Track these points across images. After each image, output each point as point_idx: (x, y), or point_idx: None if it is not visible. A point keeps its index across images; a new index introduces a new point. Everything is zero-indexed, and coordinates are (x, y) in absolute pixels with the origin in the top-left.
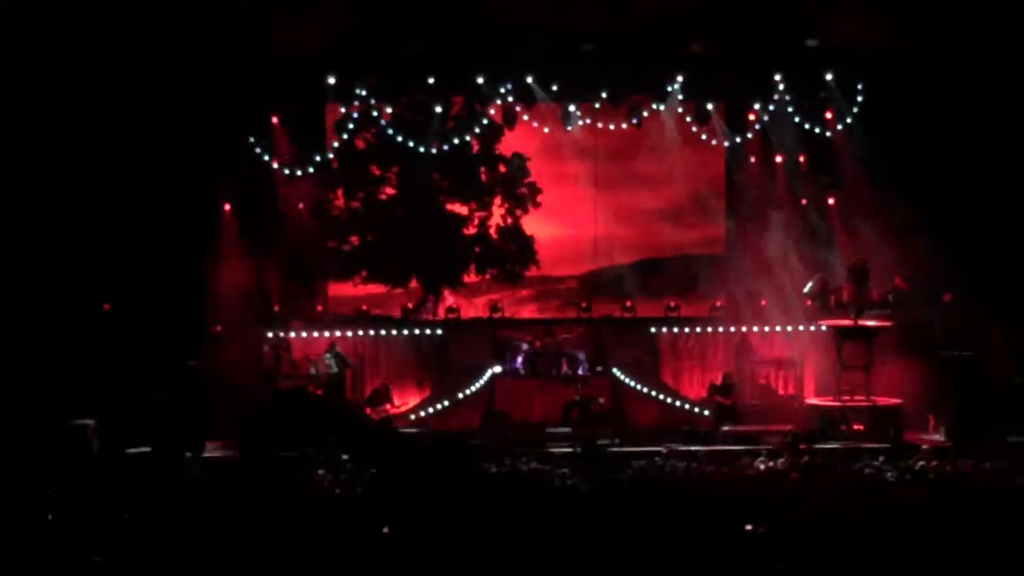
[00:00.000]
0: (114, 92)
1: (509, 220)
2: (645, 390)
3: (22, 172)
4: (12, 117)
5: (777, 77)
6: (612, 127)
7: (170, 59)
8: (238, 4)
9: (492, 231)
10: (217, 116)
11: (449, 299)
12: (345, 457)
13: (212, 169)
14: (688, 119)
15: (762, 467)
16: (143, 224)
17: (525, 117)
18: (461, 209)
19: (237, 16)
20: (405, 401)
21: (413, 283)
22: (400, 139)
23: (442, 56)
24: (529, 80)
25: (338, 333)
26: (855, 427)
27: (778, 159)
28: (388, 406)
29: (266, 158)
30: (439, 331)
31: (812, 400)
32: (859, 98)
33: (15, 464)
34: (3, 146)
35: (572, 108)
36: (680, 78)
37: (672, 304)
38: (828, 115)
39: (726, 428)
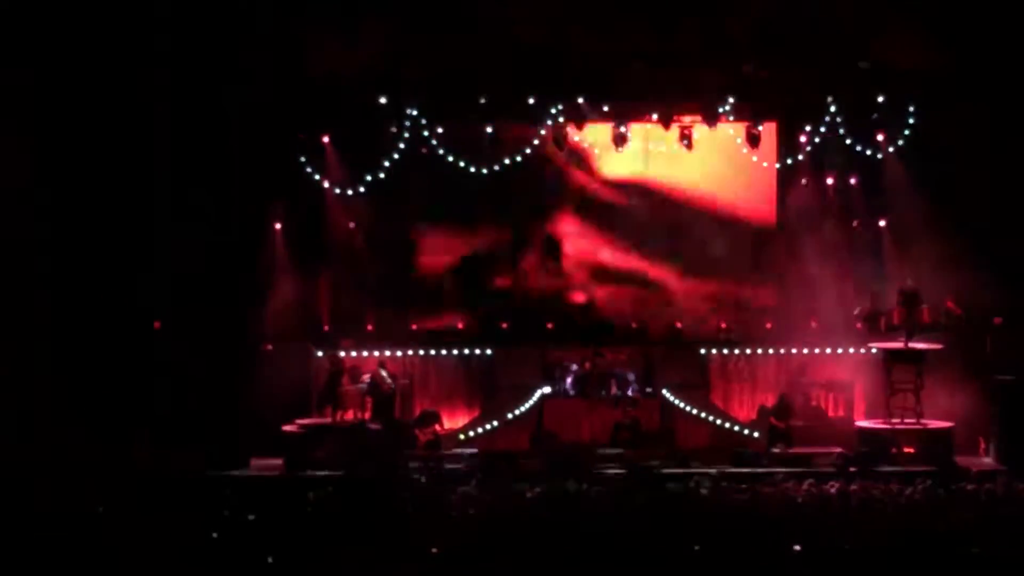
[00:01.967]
0: (165, 111)
1: None
2: (695, 412)
3: (75, 191)
4: (67, 137)
5: (829, 99)
6: (663, 148)
7: (220, 80)
8: (285, 24)
9: None
10: (267, 136)
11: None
12: None
13: (262, 189)
14: (739, 140)
15: (805, 491)
16: (194, 243)
17: (576, 138)
18: None
19: (285, 36)
20: (455, 421)
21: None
22: (451, 159)
23: (492, 76)
24: (580, 100)
25: (388, 352)
26: (905, 450)
27: (829, 181)
28: (437, 427)
29: (317, 177)
30: (488, 351)
31: (862, 423)
32: (910, 120)
33: (65, 480)
34: (56, 165)
35: (623, 129)
36: (731, 99)
37: (723, 326)
38: (879, 137)
39: (776, 450)
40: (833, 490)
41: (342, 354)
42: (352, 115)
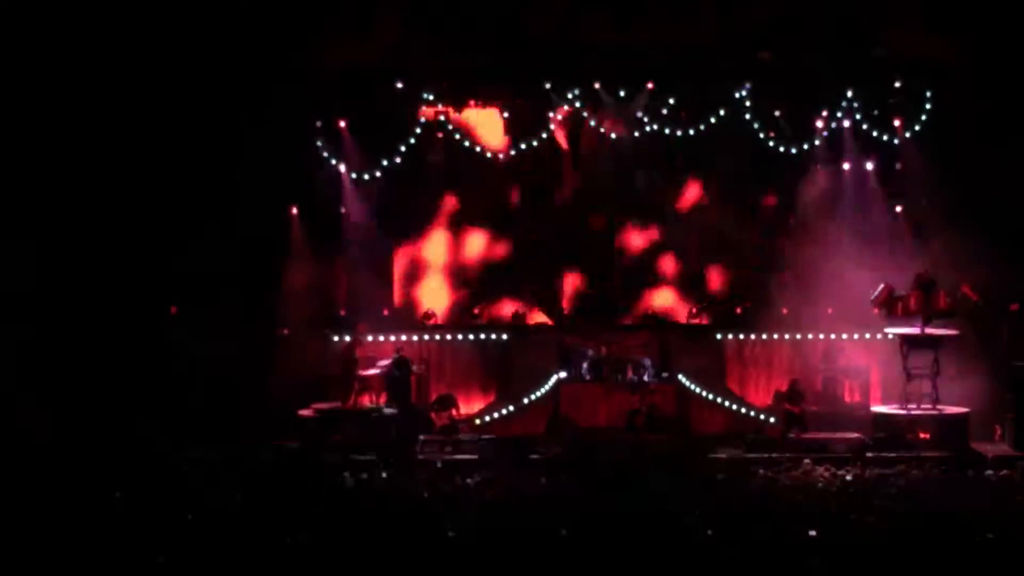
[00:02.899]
0: (183, 99)
1: None
2: (711, 397)
3: (93, 177)
4: (89, 124)
5: (845, 85)
6: (679, 133)
7: (238, 67)
8: (303, 12)
9: None
10: (283, 122)
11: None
12: None
13: (278, 174)
14: (756, 126)
15: (821, 477)
16: (210, 228)
17: (592, 123)
18: None
19: (303, 24)
20: (470, 406)
21: None
22: (467, 144)
23: (508, 63)
24: (596, 86)
25: (404, 337)
26: (921, 436)
27: (845, 167)
28: (453, 411)
29: (334, 162)
30: (504, 336)
31: (878, 408)
32: (927, 106)
33: (80, 467)
34: (74, 151)
35: (640, 114)
36: (748, 86)
37: (739, 311)
38: (896, 124)
39: (792, 435)
40: (849, 476)
41: (363, 338)
42: (369, 101)
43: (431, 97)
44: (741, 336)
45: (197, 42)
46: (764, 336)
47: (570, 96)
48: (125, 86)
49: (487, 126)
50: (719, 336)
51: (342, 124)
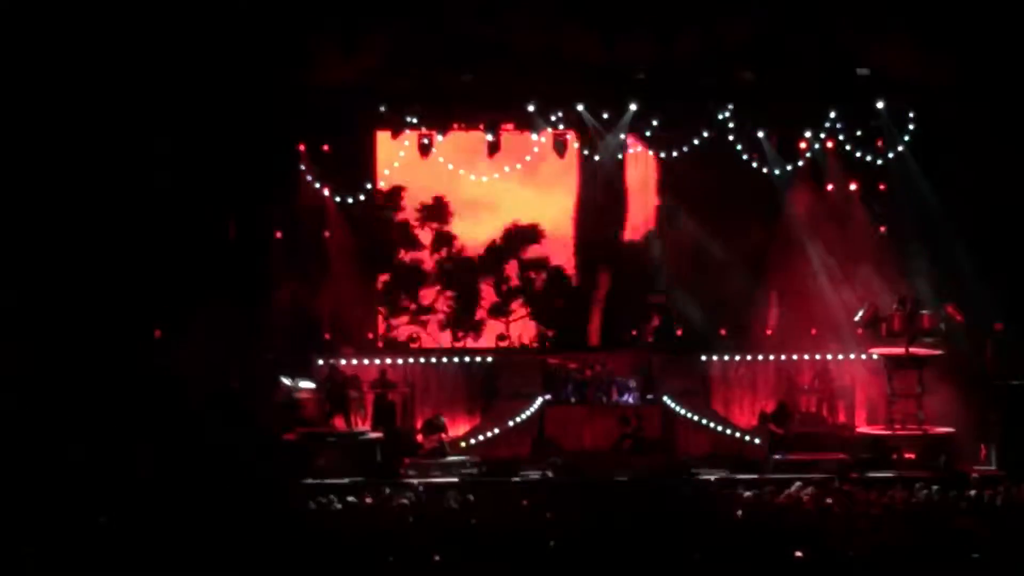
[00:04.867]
0: (166, 120)
1: None
2: (696, 418)
3: (71, 198)
4: (64, 142)
5: (828, 106)
6: (663, 155)
7: (221, 90)
8: (286, 33)
9: None
10: (267, 146)
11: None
12: None
13: (263, 197)
14: (739, 147)
15: (807, 497)
16: (195, 252)
17: (575, 145)
18: None
19: (286, 45)
20: (456, 429)
21: None
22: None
23: (491, 85)
24: (580, 108)
25: (388, 361)
26: (906, 456)
27: (828, 188)
28: (442, 435)
29: (317, 186)
30: (489, 359)
31: (864, 429)
32: (910, 127)
33: (67, 491)
34: (61, 174)
35: (622, 136)
36: (730, 107)
37: (722, 332)
38: (878, 144)
39: (777, 456)
40: (832, 497)
41: (343, 362)
42: (352, 124)
43: (413, 120)
44: (726, 357)
45: (179, 67)
46: (748, 357)
47: (552, 119)
48: (109, 101)
49: (470, 149)
50: (703, 358)
51: (325, 147)
